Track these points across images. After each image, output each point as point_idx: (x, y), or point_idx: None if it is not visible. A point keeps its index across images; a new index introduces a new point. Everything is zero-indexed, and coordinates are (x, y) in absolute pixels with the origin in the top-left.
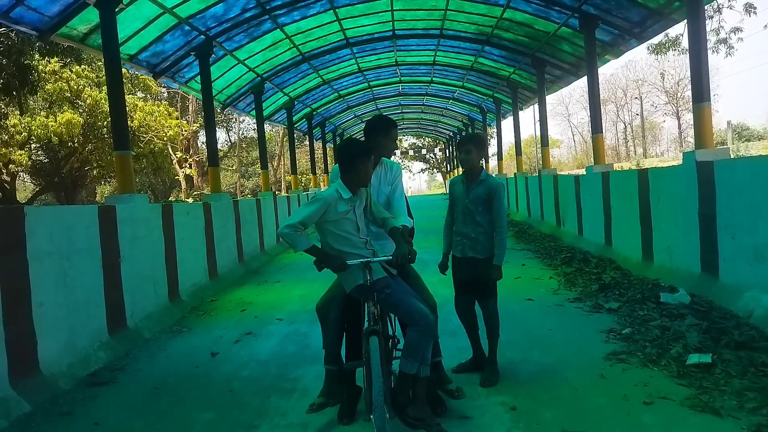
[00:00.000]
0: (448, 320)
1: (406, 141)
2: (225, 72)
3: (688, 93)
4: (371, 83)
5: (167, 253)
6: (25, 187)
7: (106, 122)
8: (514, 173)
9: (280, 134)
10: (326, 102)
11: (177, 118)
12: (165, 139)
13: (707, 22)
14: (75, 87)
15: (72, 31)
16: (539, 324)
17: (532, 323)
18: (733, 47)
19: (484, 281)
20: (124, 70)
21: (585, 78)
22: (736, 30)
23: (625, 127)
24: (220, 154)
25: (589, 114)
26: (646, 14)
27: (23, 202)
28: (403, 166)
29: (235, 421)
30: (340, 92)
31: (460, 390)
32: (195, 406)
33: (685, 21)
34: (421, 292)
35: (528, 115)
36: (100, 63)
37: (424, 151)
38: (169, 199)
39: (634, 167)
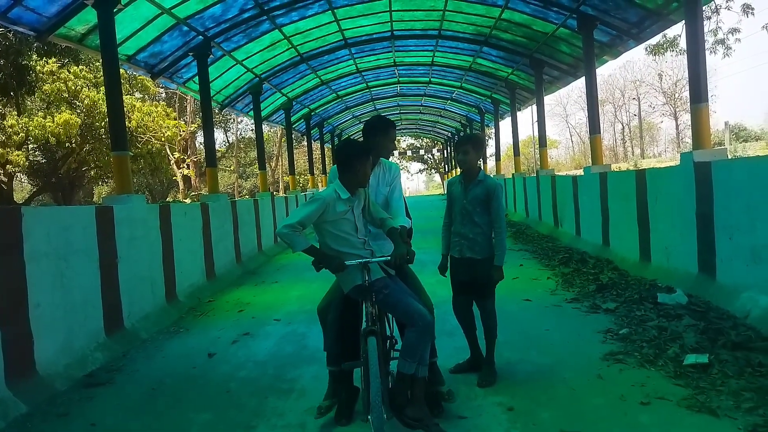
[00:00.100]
0: (445, 320)
1: (405, 141)
2: (223, 72)
3: (686, 94)
4: (369, 84)
5: (164, 254)
6: (22, 188)
7: (103, 123)
8: (512, 174)
9: (278, 135)
10: (324, 103)
11: (175, 119)
12: (163, 139)
13: (705, 22)
14: (73, 87)
15: (70, 32)
16: (537, 324)
17: (529, 323)
18: (730, 48)
19: (483, 282)
20: (122, 71)
21: (583, 79)
22: (734, 31)
23: (623, 127)
24: (218, 154)
25: (587, 114)
26: (644, 15)
27: (20, 202)
28: (401, 167)
29: (232, 421)
30: (339, 93)
31: (450, 393)
32: (192, 407)
33: (683, 22)
34: (418, 293)
35: (526, 116)
36: (98, 63)
37: (422, 152)
38: (167, 199)
39: (631, 168)
